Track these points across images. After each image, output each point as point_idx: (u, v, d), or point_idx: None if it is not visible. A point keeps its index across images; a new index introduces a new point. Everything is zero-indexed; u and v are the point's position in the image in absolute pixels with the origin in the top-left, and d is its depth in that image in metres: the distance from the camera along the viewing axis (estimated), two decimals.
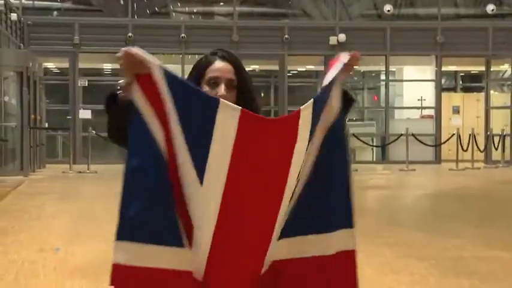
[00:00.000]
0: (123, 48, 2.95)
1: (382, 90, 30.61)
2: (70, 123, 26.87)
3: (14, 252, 9.11)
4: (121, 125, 3.06)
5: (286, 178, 2.97)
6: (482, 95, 30.00)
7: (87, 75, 28.40)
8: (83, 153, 25.44)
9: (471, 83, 32.84)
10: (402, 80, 31.02)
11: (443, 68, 29.67)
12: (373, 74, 32.66)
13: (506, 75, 30.24)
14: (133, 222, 2.99)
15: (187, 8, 30.45)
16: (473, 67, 31.58)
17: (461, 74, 33.07)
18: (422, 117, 29.68)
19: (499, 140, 27.02)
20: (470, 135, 25.76)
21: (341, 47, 28.20)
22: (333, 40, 28.21)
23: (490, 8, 29.77)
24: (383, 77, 30.41)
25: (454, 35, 28.73)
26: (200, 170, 2.91)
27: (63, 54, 27.74)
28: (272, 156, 2.96)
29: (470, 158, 25.62)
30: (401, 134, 25.75)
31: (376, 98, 32.12)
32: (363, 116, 31.54)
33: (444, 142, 27.32)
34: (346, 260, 3.13)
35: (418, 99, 29.57)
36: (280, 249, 3.06)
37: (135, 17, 28.14)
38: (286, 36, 27.94)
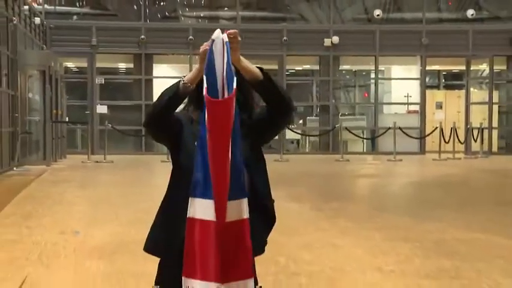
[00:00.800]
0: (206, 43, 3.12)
1: (372, 87, 30.60)
2: (88, 117, 26.89)
3: (38, 234, 9.12)
4: (170, 112, 3.17)
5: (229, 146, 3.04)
6: (462, 92, 30.00)
7: (104, 74, 28.41)
8: (100, 144, 25.42)
9: (453, 81, 32.80)
10: (390, 78, 31.01)
11: (428, 67, 29.68)
12: (364, 73, 32.63)
13: (485, 74, 30.19)
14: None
15: (194, 13, 30.40)
16: (455, 66, 31.55)
17: (444, 73, 33.04)
18: (409, 112, 29.68)
19: (478, 133, 27.05)
20: (451, 128, 25.76)
21: (334, 48, 28.26)
22: (327, 42, 28.18)
23: (470, 12, 29.78)
24: (372, 75, 30.39)
25: (437, 37, 28.72)
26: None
27: (81, 55, 27.73)
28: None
29: (451, 149, 25.61)
30: (389, 128, 25.74)
31: (366, 95, 32.10)
32: (354, 111, 31.51)
33: (428, 135, 27.31)
34: (246, 225, 3.09)
35: (405, 96, 29.57)
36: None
37: (147, 20, 28.10)
38: (285, 38, 27.91)
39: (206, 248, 2.99)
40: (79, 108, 28.14)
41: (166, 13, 29.70)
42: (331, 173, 19.91)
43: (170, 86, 3.22)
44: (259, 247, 3.22)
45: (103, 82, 27.82)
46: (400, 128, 25.42)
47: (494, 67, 29.29)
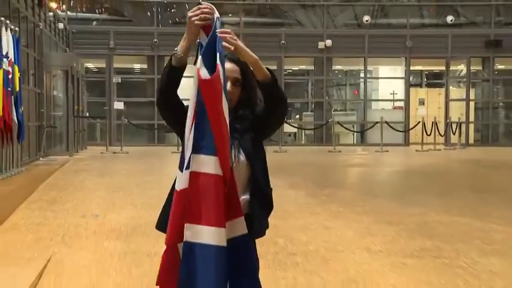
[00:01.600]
0: (198, 6, 3.11)
1: (361, 85, 30.60)
2: (106, 112, 26.89)
3: (62, 217, 9.12)
4: (172, 89, 3.10)
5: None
6: (442, 90, 30.02)
7: (120, 74, 28.40)
8: (117, 137, 25.43)
9: (434, 80, 32.77)
10: (378, 78, 31.00)
11: (411, 68, 29.68)
12: (354, 73, 32.59)
13: (462, 73, 30.17)
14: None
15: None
16: (436, 67, 31.52)
17: (426, 73, 33.00)
18: (394, 108, 29.69)
19: (456, 127, 27.06)
20: (433, 122, 25.78)
21: (328, 50, 28.25)
22: (321, 45, 28.17)
23: (449, 18, 29.80)
24: (362, 75, 30.38)
25: (420, 40, 28.72)
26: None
27: (100, 56, 27.72)
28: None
29: (432, 141, 25.62)
30: (377, 122, 25.74)
31: (356, 92, 32.06)
32: (345, 107, 31.50)
33: (412, 128, 27.32)
34: (233, 176, 3.10)
35: (391, 93, 29.59)
36: None
37: (160, 26, 28.08)
38: (283, 41, 27.90)
39: (210, 198, 2.97)
40: (98, 105, 28.12)
41: (177, 19, 29.65)
42: (325, 163, 19.90)
43: (167, 62, 3.18)
44: (260, 230, 3.21)
45: (120, 81, 27.83)
46: (386, 122, 25.43)
47: (471, 67, 29.33)
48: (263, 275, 3.33)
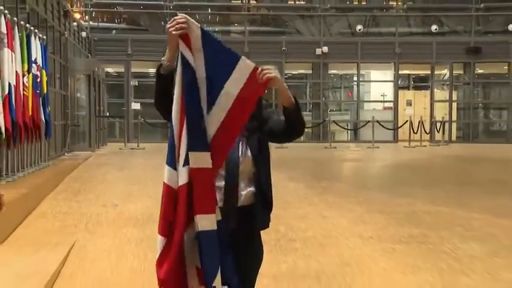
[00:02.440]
0: (174, 18, 3.01)
1: (355, 88, 30.56)
2: (125, 112, 26.92)
3: (85, 207, 9.14)
4: (166, 93, 3.08)
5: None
6: (428, 92, 29.96)
7: (137, 77, 28.40)
8: (134, 134, 25.44)
9: (420, 83, 32.67)
10: (369, 81, 30.92)
11: (400, 72, 29.64)
12: (348, 77, 32.51)
13: (446, 77, 30.12)
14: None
15: (210, 28, 30.33)
16: (422, 71, 31.43)
17: (413, 76, 32.91)
18: (384, 108, 29.64)
19: (440, 125, 27.05)
20: (419, 121, 25.76)
21: (324, 56, 28.24)
22: (318, 51, 28.14)
23: (434, 27, 29.75)
24: (355, 78, 30.34)
25: (408, 47, 28.67)
26: (210, 103, 2.94)
27: (119, 62, 27.73)
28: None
29: (419, 138, 25.60)
30: (369, 121, 25.72)
31: (350, 94, 32.01)
32: (340, 107, 31.44)
33: (400, 127, 27.29)
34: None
35: (381, 95, 29.56)
36: None
37: None
38: (284, 48, 27.87)
39: (209, 190, 2.98)
40: (117, 105, 28.14)
41: None
42: (322, 158, 19.90)
43: (156, 70, 3.20)
44: (263, 223, 3.22)
45: (137, 84, 27.85)
46: (377, 121, 25.40)
47: (453, 72, 29.33)
48: (266, 260, 3.33)
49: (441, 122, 27.17)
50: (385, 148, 24.28)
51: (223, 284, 2.98)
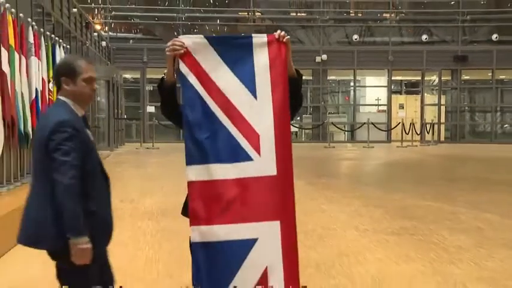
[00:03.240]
0: (172, 39, 3.06)
1: (351, 93, 30.52)
2: (141, 115, 26.95)
3: None
4: (169, 102, 3.14)
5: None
6: (418, 96, 29.92)
7: (152, 83, 28.36)
8: (149, 135, 25.45)
9: (411, 88, 32.60)
10: (365, 86, 30.87)
11: (393, 78, 29.57)
12: (345, 82, 32.46)
13: (435, 83, 30.06)
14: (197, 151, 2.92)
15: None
16: (413, 77, 31.37)
17: (405, 82, 32.86)
18: (378, 111, 29.58)
19: (430, 127, 27.02)
20: (410, 123, 25.71)
21: (323, 63, 28.24)
22: (318, 59, 28.12)
23: (424, 37, 29.69)
24: (352, 84, 30.30)
25: (400, 55, 28.61)
26: (252, 89, 2.90)
27: (136, 69, 27.75)
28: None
29: (410, 138, 25.55)
30: (364, 123, 25.68)
31: (347, 98, 31.97)
32: (338, 110, 31.39)
33: (393, 128, 27.24)
34: None
35: (376, 99, 29.51)
36: None
37: None
38: None
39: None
40: (134, 108, 28.17)
41: None
42: (321, 157, 19.89)
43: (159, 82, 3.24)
44: None
45: (151, 89, 27.83)
46: (372, 123, 25.36)
47: (442, 78, 29.24)
48: None
49: (431, 123, 27.13)
50: (380, 148, 24.25)
51: None
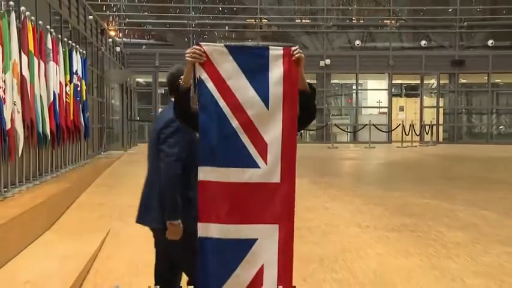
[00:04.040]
0: (193, 47, 2.99)
1: (354, 95, 30.49)
2: (153, 117, 26.97)
3: (118, 199, 9.17)
4: (183, 106, 3.08)
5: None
6: (418, 99, 29.86)
7: (164, 86, 28.43)
8: None
9: (411, 91, 32.55)
10: (367, 89, 30.84)
11: (393, 81, 29.54)
12: (348, 85, 32.45)
13: (433, 86, 30.00)
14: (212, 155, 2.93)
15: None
16: (412, 81, 31.32)
17: (405, 85, 32.81)
18: (380, 113, 29.54)
19: (429, 128, 27.00)
20: (410, 125, 25.68)
21: (327, 67, 28.23)
22: (322, 63, 28.12)
23: (423, 42, 29.66)
24: (354, 87, 30.27)
25: (400, 60, 28.60)
26: (265, 100, 2.90)
27: (148, 73, 27.83)
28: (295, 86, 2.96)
29: (410, 139, 25.51)
30: (366, 124, 25.65)
31: (350, 101, 31.95)
32: (341, 112, 31.39)
33: (393, 129, 27.21)
34: None
35: (377, 102, 29.48)
36: None
37: None
38: None
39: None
40: (146, 111, 28.23)
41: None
42: (324, 156, 19.88)
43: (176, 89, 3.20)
44: None
45: (163, 92, 27.89)
46: (373, 124, 25.33)
47: (440, 81, 29.21)
48: None
49: (429, 125, 27.09)
50: (380, 148, 24.22)
51: None
